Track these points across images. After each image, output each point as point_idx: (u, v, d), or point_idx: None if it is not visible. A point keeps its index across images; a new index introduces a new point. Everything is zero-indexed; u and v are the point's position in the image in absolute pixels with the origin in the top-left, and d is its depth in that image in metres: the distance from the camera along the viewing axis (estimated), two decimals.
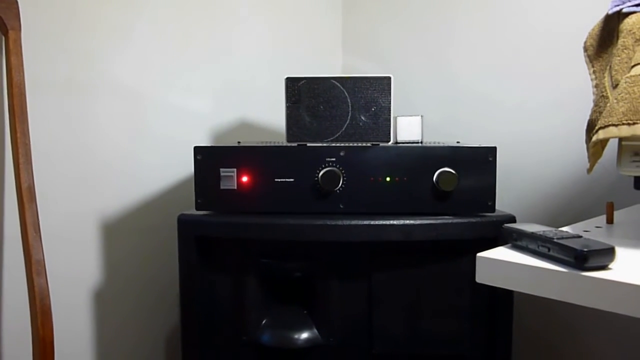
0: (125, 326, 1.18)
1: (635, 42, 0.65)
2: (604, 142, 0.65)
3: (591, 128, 0.68)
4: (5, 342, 1.00)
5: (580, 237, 0.56)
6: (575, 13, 1.12)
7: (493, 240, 0.83)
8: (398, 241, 0.90)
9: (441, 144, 0.97)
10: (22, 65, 0.91)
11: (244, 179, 0.93)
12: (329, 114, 0.92)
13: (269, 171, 0.93)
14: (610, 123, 0.60)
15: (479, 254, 0.58)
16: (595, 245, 0.53)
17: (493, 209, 0.92)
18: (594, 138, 0.62)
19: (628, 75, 0.62)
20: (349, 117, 0.92)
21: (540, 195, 1.20)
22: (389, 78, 0.91)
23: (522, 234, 0.60)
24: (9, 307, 1.00)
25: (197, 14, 1.25)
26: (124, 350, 1.18)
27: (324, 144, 0.93)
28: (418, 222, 0.89)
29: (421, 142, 1.05)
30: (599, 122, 0.62)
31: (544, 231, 0.58)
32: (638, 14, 0.68)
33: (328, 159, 0.92)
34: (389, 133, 0.92)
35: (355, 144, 0.93)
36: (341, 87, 0.91)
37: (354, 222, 0.89)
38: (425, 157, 0.91)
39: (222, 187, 0.93)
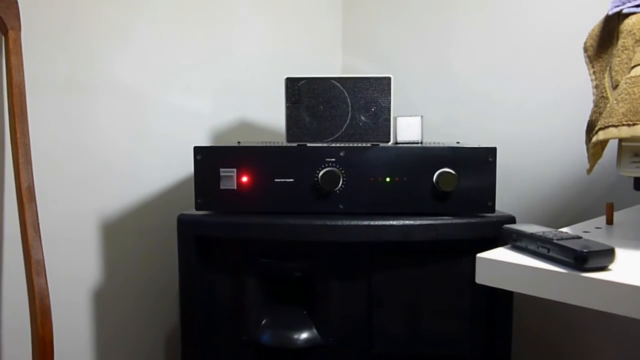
0: (125, 326, 1.18)
1: (636, 42, 0.65)
2: (603, 143, 0.65)
3: (591, 129, 0.68)
4: (5, 342, 1.00)
5: (580, 238, 0.56)
6: (575, 13, 1.12)
7: (493, 241, 0.83)
8: (398, 241, 0.90)
9: (441, 144, 0.97)
10: (22, 65, 0.91)
11: (244, 179, 0.93)
12: (329, 114, 0.92)
13: (268, 171, 0.93)
14: (610, 124, 0.60)
15: (478, 255, 0.58)
16: (595, 246, 0.53)
17: (493, 210, 0.92)
18: (594, 139, 0.62)
19: (628, 76, 0.62)
20: (348, 117, 0.92)
21: (540, 195, 1.20)
22: (389, 78, 0.91)
23: (522, 235, 0.60)
24: (8, 307, 1.00)
25: (197, 14, 1.24)
26: (123, 350, 1.18)
27: (324, 144, 0.93)
28: (418, 222, 0.89)
29: (421, 143, 1.05)
30: (599, 122, 0.62)
31: (543, 232, 0.58)
32: (638, 14, 0.68)
33: (328, 159, 0.92)
34: (389, 133, 0.92)
35: (355, 144, 0.93)
36: (341, 87, 0.91)
37: (353, 222, 0.89)
38: (425, 157, 0.91)
39: (222, 187, 0.93)
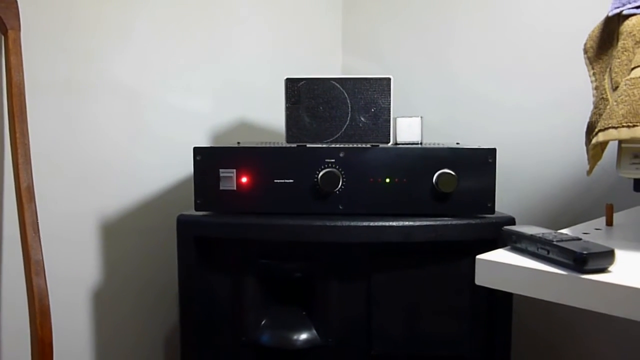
0: (124, 326, 1.18)
1: (636, 44, 0.65)
2: (603, 145, 0.65)
3: (591, 130, 0.68)
4: (5, 342, 1.00)
5: (580, 239, 0.56)
6: (576, 14, 1.12)
7: (492, 242, 0.83)
8: (397, 242, 0.90)
9: (441, 145, 0.97)
10: (22, 65, 0.91)
11: (244, 179, 0.93)
12: (329, 115, 0.92)
13: (268, 172, 0.92)
14: (610, 125, 0.60)
15: (478, 257, 0.58)
16: (594, 247, 0.52)
17: (492, 211, 0.92)
18: (594, 140, 0.62)
19: (628, 77, 0.62)
20: (348, 118, 0.92)
21: (540, 196, 1.20)
22: (389, 79, 0.91)
23: (522, 237, 0.60)
24: (8, 307, 0.99)
25: (197, 14, 1.24)
26: (122, 350, 1.18)
27: (324, 145, 0.93)
28: (417, 223, 0.89)
29: (421, 143, 1.04)
30: (599, 124, 0.62)
31: (543, 233, 0.58)
32: (638, 16, 0.68)
33: (327, 160, 0.92)
34: (389, 134, 0.92)
35: (354, 145, 0.93)
36: (341, 88, 0.91)
37: (353, 223, 0.89)
38: (424, 158, 0.91)
39: (221, 188, 0.93)
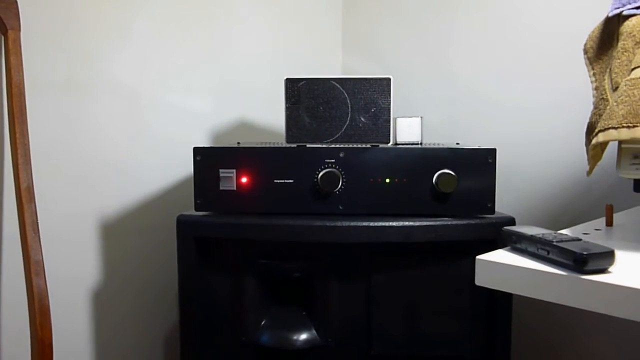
0: (123, 326, 1.18)
1: (636, 44, 0.65)
2: (603, 145, 0.65)
3: (591, 130, 0.68)
4: (4, 342, 1.00)
5: (580, 240, 0.56)
6: (576, 14, 1.12)
7: (492, 242, 0.83)
8: (397, 242, 0.90)
9: (441, 146, 0.97)
10: (22, 65, 0.91)
11: (244, 179, 0.93)
12: (329, 115, 0.92)
13: (268, 172, 0.92)
14: (610, 126, 0.60)
15: (478, 257, 0.58)
16: (594, 248, 0.52)
17: (492, 211, 0.92)
18: (594, 141, 0.62)
19: (628, 78, 0.62)
20: (348, 118, 0.92)
21: (540, 197, 1.20)
22: (389, 79, 0.91)
23: (522, 237, 0.60)
24: (8, 307, 0.99)
25: (197, 14, 1.24)
26: (122, 350, 1.18)
27: (324, 145, 0.93)
28: (417, 223, 0.89)
29: (421, 144, 1.04)
30: (599, 124, 0.62)
31: (543, 234, 0.58)
32: (638, 16, 0.68)
33: (327, 160, 0.92)
34: (389, 134, 0.92)
35: (354, 145, 0.93)
36: (341, 88, 0.91)
37: (353, 223, 0.89)
38: (424, 158, 0.91)
39: (221, 188, 0.93)
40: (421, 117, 1.05)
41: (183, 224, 0.93)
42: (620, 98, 0.61)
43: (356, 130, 0.92)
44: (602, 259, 0.52)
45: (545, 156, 1.18)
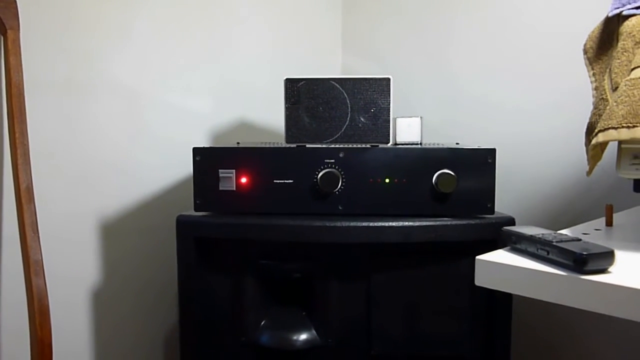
0: (123, 326, 1.18)
1: (635, 44, 0.65)
2: (603, 145, 0.65)
3: (591, 131, 0.68)
4: (4, 342, 1.00)
5: (580, 240, 0.56)
6: (575, 14, 1.12)
7: (492, 242, 0.83)
8: (397, 243, 0.90)
9: (440, 146, 0.97)
10: (21, 65, 0.91)
11: (243, 180, 0.93)
12: (328, 115, 0.92)
13: (268, 172, 0.92)
14: (609, 126, 0.60)
15: (478, 257, 0.58)
16: (594, 248, 0.52)
17: (492, 211, 0.92)
18: (594, 141, 0.62)
19: (628, 78, 0.62)
20: (348, 118, 0.92)
21: (540, 197, 1.20)
22: (389, 79, 0.91)
23: (521, 237, 0.60)
24: (7, 307, 0.99)
25: (197, 14, 1.24)
26: (122, 350, 1.18)
27: (323, 145, 0.93)
28: (417, 223, 0.89)
29: (420, 144, 1.04)
30: (599, 124, 0.62)
31: (542, 234, 0.58)
32: (638, 16, 0.67)
33: (327, 160, 0.92)
34: (388, 134, 0.92)
35: (354, 145, 0.92)
36: (340, 88, 0.91)
37: (353, 223, 0.89)
38: (424, 158, 0.91)
39: (221, 188, 0.93)
40: (421, 117, 1.05)
41: (183, 224, 0.93)
42: (620, 98, 0.60)
43: (356, 131, 0.92)
44: (602, 259, 0.52)
45: (545, 156, 1.18)
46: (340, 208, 0.93)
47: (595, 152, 0.67)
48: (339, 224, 0.89)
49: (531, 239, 0.58)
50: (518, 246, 0.60)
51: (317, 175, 0.91)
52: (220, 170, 0.93)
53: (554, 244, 0.54)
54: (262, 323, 0.96)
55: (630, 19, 0.68)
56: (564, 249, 0.53)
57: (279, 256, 0.96)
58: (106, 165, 1.12)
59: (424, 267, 0.94)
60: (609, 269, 0.52)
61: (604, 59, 0.72)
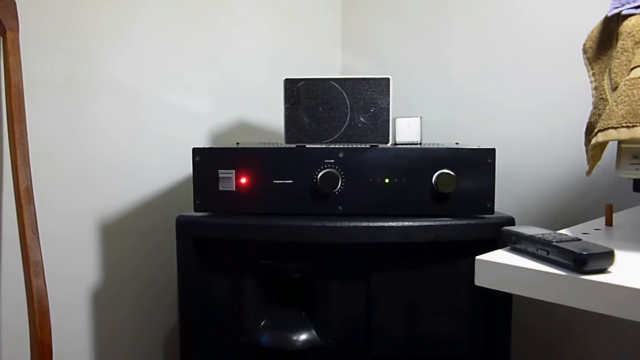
0: (123, 327, 1.18)
1: (635, 44, 0.65)
2: (603, 145, 0.65)
3: (590, 130, 0.68)
4: (4, 343, 1.00)
5: (580, 240, 0.56)
6: (575, 14, 1.12)
7: (492, 242, 0.83)
8: (397, 243, 0.90)
9: (440, 146, 0.97)
10: (20, 65, 0.91)
11: (243, 180, 0.93)
12: (328, 115, 0.92)
13: (267, 172, 0.92)
14: (609, 126, 0.60)
15: (478, 257, 0.58)
16: (594, 248, 0.52)
17: (492, 211, 0.92)
18: (593, 141, 0.62)
19: (627, 77, 0.62)
20: (347, 119, 0.92)
21: (540, 197, 1.20)
22: (388, 79, 0.91)
23: (521, 237, 0.60)
24: (7, 308, 0.99)
25: (197, 14, 1.24)
26: (121, 350, 1.18)
27: (323, 145, 0.93)
28: (417, 223, 0.89)
29: (420, 144, 1.04)
30: (598, 124, 0.62)
31: (542, 234, 0.58)
32: (637, 16, 0.67)
33: (327, 161, 0.92)
34: (388, 134, 0.92)
35: (354, 145, 0.92)
36: (340, 89, 0.91)
37: (352, 223, 0.89)
38: (424, 158, 0.91)
39: (220, 189, 0.93)
40: (420, 117, 1.05)
41: (182, 224, 0.93)
42: (620, 98, 0.60)
43: (355, 131, 0.92)
44: (602, 259, 0.52)
45: (544, 156, 1.18)
46: (340, 208, 0.93)
47: (594, 152, 0.67)
48: (338, 224, 0.89)
49: (531, 239, 0.58)
50: (518, 246, 0.60)
51: (317, 175, 0.91)
52: (219, 171, 0.93)
53: (554, 244, 0.54)
54: (262, 323, 0.96)
55: (629, 18, 0.68)
56: (563, 249, 0.53)
57: (278, 256, 0.96)
58: (106, 166, 1.12)
59: (423, 267, 0.94)
60: (609, 269, 0.52)
61: (603, 59, 0.72)
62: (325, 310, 0.95)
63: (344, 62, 1.55)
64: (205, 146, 0.94)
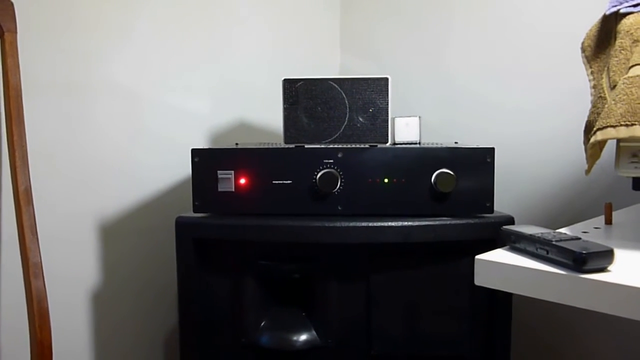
0: (123, 328, 1.18)
1: (633, 43, 0.65)
2: (602, 144, 0.65)
3: (589, 129, 0.68)
4: (4, 344, 1.00)
5: (579, 239, 0.56)
6: (574, 13, 1.12)
7: (491, 242, 0.83)
8: (397, 243, 0.90)
9: (439, 145, 0.97)
10: (18, 67, 0.91)
11: (242, 181, 0.93)
12: (327, 115, 0.92)
13: (266, 173, 0.92)
14: (608, 124, 0.60)
15: (477, 257, 0.58)
16: (594, 247, 0.52)
17: (491, 210, 0.92)
18: (592, 139, 0.62)
19: (626, 76, 0.62)
20: (346, 119, 0.91)
21: (539, 196, 1.20)
22: (387, 79, 0.91)
23: (521, 237, 0.59)
24: (7, 309, 0.99)
25: (197, 14, 1.24)
26: (121, 351, 1.18)
27: (322, 146, 0.92)
28: (416, 223, 0.89)
29: (419, 143, 1.04)
30: (597, 123, 0.62)
31: (542, 233, 0.58)
32: (636, 14, 0.67)
33: (326, 161, 0.92)
34: (387, 134, 0.92)
35: (353, 145, 0.92)
36: (339, 89, 0.91)
37: (352, 223, 0.89)
38: (423, 158, 0.91)
39: (219, 189, 0.93)
40: (419, 117, 1.05)
41: (182, 225, 0.93)
42: (618, 96, 0.60)
43: (354, 131, 0.92)
44: (602, 258, 0.52)
45: (544, 155, 1.18)
46: (339, 208, 0.92)
47: (594, 150, 0.67)
48: (338, 224, 0.89)
49: (530, 238, 0.58)
50: (517, 245, 0.60)
51: (316, 175, 0.91)
52: (219, 172, 0.93)
53: (554, 243, 0.54)
54: (262, 324, 0.96)
55: (627, 17, 0.68)
56: (563, 248, 0.53)
57: (278, 257, 0.96)
58: (105, 166, 1.12)
59: (423, 267, 0.93)
60: (609, 268, 0.52)
61: (602, 57, 0.72)
62: (325, 310, 0.95)
63: (343, 62, 1.55)
64: (204, 147, 0.94)
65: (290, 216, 0.92)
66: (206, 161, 0.93)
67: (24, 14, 0.96)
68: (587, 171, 0.69)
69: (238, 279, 0.96)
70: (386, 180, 0.92)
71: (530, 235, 0.58)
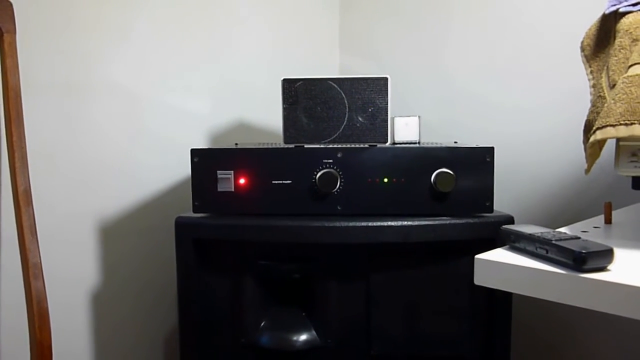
0: (122, 328, 1.17)
1: (632, 42, 0.65)
2: (601, 143, 0.65)
3: (589, 129, 0.68)
4: (4, 344, 0.99)
5: (579, 238, 0.56)
6: (574, 13, 1.12)
7: (491, 241, 0.83)
8: (396, 242, 0.90)
9: (439, 145, 0.97)
10: (18, 67, 0.91)
11: (241, 181, 0.93)
12: (326, 115, 0.92)
13: (266, 173, 0.92)
14: (607, 123, 0.60)
15: (477, 256, 0.58)
16: (593, 246, 0.52)
17: (491, 210, 0.92)
18: (592, 139, 0.62)
19: (625, 75, 0.62)
20: (346, 118, 0.91)
21: (539, 195, 1.20)
22: (386, 79, 0.91)
23: (520, 236, 0.59)
24: (7, 310, 0.99)
25: (197, 14, 1.24)
26: (121, 351, 1.18)
27: (321, 146, 0.92)
28: (416, 223, 0.89)
29: (419, 143, 1.04)
30: (597, 122, 0.62)
31: (542, 233, 0.58)
32: (635, 13, 0.67)
33: (325, 161, 0.92)
34: (387, 134, 0.92)
35: (352, 145, 0.92)
36: (338, 88, 0.91)
37: (351, 223, 0.89)
38: (422, 157, 0.91)
39: (219, 190, 0.93)
40: (419, 117, 1.05)
41: (181, 225, 0.93)
42: (618, 96, 0.60)
43: (354, 130, 0.92)
44: (601, 257, 0.52)
45: (543, 155, 1.18)
46: (339, 208, 0.92)
47: (593, 150, 0.67)
48: (337, 224, 0.89)
49: (530, 238, 0.58)
50: (517, 245, 0.60)
51: (316, 175, 0.91)
52: (218, 172, 0.93)
53: (553, 242, 0.54)
54: (262, 324, 0.96)
55: (627, 16, 0.68)
56: (563, 247, 0.53)
57: (278, 257, 0.96)
58: (105, 167, 1.12)
59: (423, 267, 0.93)
60: (609, 267, 0.52)
61: (601, 57, 0.72)
62: (324, 310, 0.95)
63: (342, 62, 1.55)
64: (204, 147, 0.94)
65: (289, 216, 0.92)
66: (206, 161, 0.93)
67: (23, 15, 0.96)
68: (587, 170, 0.69)
69: (238, 279, 0.95)
70: (386, 180, 0.92)
71: (530, 234, 0.58)
